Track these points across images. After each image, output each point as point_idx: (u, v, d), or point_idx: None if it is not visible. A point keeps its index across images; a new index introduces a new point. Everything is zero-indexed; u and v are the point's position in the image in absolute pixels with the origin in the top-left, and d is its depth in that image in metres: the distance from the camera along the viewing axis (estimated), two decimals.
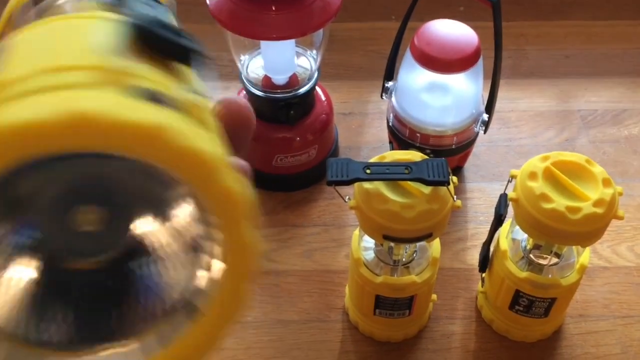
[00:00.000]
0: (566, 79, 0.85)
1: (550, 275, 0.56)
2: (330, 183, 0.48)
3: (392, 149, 0.73)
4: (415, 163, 0.49)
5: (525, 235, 0.57)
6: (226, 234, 0.20)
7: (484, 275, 0.62)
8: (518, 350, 0.62)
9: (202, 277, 0.21)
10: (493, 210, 0.55)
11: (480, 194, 0.73)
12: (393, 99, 0.69)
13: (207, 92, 0.24)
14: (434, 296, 0.62)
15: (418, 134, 0.67)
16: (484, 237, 0.58)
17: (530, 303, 0.57)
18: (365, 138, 0.79)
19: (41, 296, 0.22)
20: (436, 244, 0.57)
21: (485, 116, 0.68)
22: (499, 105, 0.69)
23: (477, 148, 0.75)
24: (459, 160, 0.73)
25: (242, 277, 0.20)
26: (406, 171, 0.48)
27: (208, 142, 0.19)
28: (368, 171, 0.48)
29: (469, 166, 0.76)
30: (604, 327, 0.63)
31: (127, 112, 0.18)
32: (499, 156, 0.77)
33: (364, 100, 0.83)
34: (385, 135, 0.74)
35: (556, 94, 0.84)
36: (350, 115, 0.81)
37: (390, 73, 0.70)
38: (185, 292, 0.22)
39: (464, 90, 0.68)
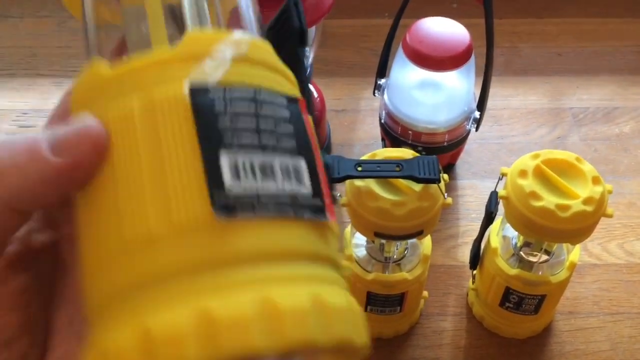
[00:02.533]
0: (558, 76, 0.86)
1: (540, 273, 0.57)
2: None
3: (385, 146, 0.73)
4: (406, 160, 0.49)
5: (516, 233, 0.58)
6: None
7: (474, 272, 0.62)
8: (508, 346, 0.62)
9: None
10: (484, 207, 0.55)
11: (472, 191, 0.74)
12: (385, 96, 0.69)
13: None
14: (425, 293, 0.62)
15: (410, 131, 0.67)
16: (475, 234, 0.59)
17: (520, 300, 0.57)
18: (358, 135, 0.79)
19: None
20: (427, 241, 0.57)
21: (477, 114, 0.68)
22: (491, 102, 0.69)
23: (469, 145, 0.75)
24: (451, 157, 0.73)
25: None
26: (397, 169, 0.48)
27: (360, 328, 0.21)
28: (359, 168, 0.48)
29: (461, 163, 0.76)
30: (593, 324, 0.64)
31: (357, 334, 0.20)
32: (491, 154, 0.77)
33: (357, 97, 0.83)
34: (377, 132, 0.75)
35: (548, 91, 0.84)
36: (343, 112, 0.81)
37: (382, 70, 0.70)
38: None
39: (455, 87, 0.68)
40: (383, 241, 0.56)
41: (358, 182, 0.50)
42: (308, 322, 0.19)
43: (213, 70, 0.21)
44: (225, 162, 0.20)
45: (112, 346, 0.19)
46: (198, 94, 0.21)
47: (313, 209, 0.21)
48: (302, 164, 0.22)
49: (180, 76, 0.21)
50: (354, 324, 0.21)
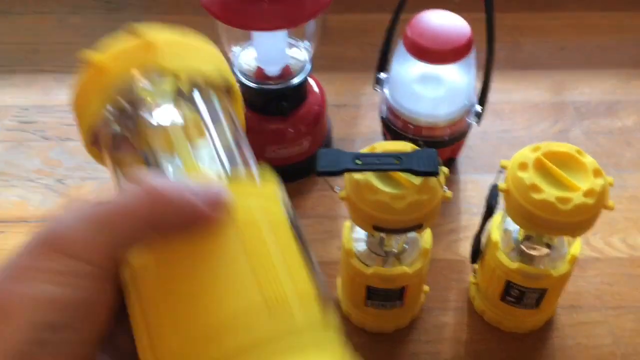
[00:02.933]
0: (560, 70, 0.85)
1: (541, 266, 0.56)
2: (319, 173, 0.48)
3: (386, 140, 0.73)
4: (405, 154, 0.49)
5: (517, 226, 0.57)
6: None
7: (475, 266, 0.62)
8: (510, 341, 0.62)
9: None
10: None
11: (474, 185, 0.73)
12: (386, 90, 0.69)
13: None
14: (426, 287, 0.62)
15: (411, 126, 0.67)
16: (476, 229, 0.58)
17: (521, 294, 0.57)
18: (359, 130, 0.79)
19: None
20: (427, 235, 0.57)
21: (479, 107, 0.68)
22: (493, 97, 0.69)
23: (470, 140, 0.75)
24: (452, 151, 0.73)
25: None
26: (396, 162, 0.48)
27: None
28: (358, 162, 0.48)
29: (463, 158, 0.76)
30: (595, 318, 0.63)
31: None
32: (493, 148, 0.77)
33: (357, 92, 0.82)
34: (378, 127, 0.74)
35: (550, 85, 0.84)
36: (344, 107, 0.81)
37: (383, 64, 0.69)
38: None
39: (456, 81, 0.68)
40: (383, 235, 0.56)
41: (357, 176, 0.49)
42: None
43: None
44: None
45: None
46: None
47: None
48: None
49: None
50: None
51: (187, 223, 0.26)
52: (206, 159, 0.30)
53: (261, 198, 0.29)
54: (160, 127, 0.31)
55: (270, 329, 0.25)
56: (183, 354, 0.24)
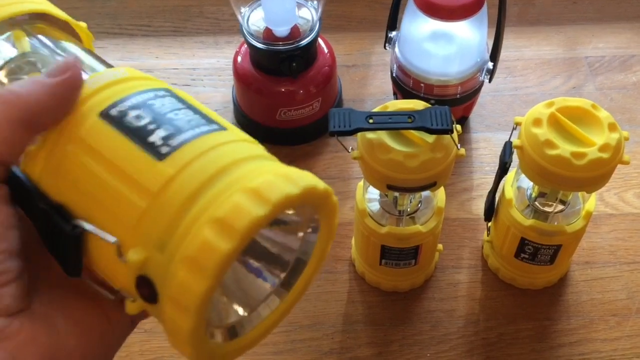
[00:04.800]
0: (573, 25, 0.84)
1: (555, 223, 0.56)
2: (332, 133, 0.48)
3: (397, 100, 0.72)
4: (418, 112, 0.48)
5: (531, 184, 0.57)
6: (325, 222, 0.32)
7: (489, 224, 0.62)
8: (524, 297, 0.62)
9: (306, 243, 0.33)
10: (498, 159, 0.54)
11: (486, 144, 0.73)
12: (396, 49, 0.68)
13: None
14: (440, 246, 0.62)
15: (422, 84, 0.67)
16: (489, 187, 0.58)
17: (535, 251, 0.57)
18: (369, 90, 0.78)
19: None
20: (441, 193, 0.56)
21: (490, 64, 0.67)
22: (504, 54, 0.68)
23: (482, 98, 0.74)
24: (464, 110, 0.72)
25: (330, 239, 0.33)
26: (409, 120, 0.48)
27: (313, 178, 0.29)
28: (370, 121, 0.48)
29: (474, 116, 0.75)
30: (609, 273, 0.63)
31: (318, 183, 0.29)
32: (505, 105, 0.76)
33: (367, 52, 0.82)
34: (389, 87, 0.74)
35: (563, 41, 0.82)
36: (354, 68, 0.80)
37: (393, 22, 0.68)
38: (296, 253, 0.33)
39: (468, 38, 0.67)
40: (396, 194, 0.56)
41: (370, 135, 0.49)
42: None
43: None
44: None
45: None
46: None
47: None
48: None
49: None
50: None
51: (53, 99, 0.29)
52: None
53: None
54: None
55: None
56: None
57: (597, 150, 0.48)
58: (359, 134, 0.50)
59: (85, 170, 0.28)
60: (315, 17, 0.68)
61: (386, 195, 0.57)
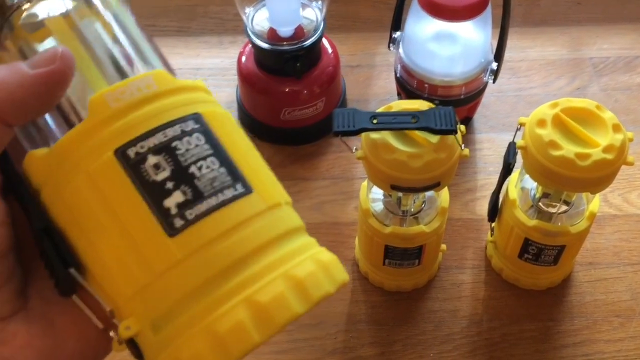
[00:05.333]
0: (578, 26, 0.84)
1: (559, 223, 0.56)
2: (336, 133, 0.48)
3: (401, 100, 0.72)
4: (422, 112, 0.48)
5: (535, 184, 0.57)
6: None
7: (493, 224, 0.62)
8: (527, 297, 0.62)
9: None
10: (502, 160, 0.54)
11: (490, 144, 0.73)
12: (400, 49, 0.68)
13: None
14: (444, 246, 0.62)
15: (426, 85, 0.67)
16: (492, 188, 0.58)
17: (539, 251, 0.57)
18: (373, 90, 0.78)
19: None
20: (444, 193, 0.56)
21: (494, 65, 0.67)
22: (509, 54, 0.68)
23: (486, 98, 0.74)
24: (468, 110, 0.72)
25: None
26: (413, 120, 0.48)
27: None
28: (375, 121, 0.48)
29: (478, 117, 0.75)
30: (613, 274, 0.63)
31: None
32: (509, 106, 0.76)
33: (372, 52, 0.82)
34: (393, 87, 0.74)
35: (567, 42, 0.82)
36: (358, 68, 0.80)
37: (397, 23, 0.68)
38: None
39: (472, 38, 0.67)
40: (400, 194, 0.56)
41: (374, 135, 0.49)
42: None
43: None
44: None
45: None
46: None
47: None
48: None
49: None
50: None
51: (30, 95, 0.25)
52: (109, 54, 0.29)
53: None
54: (39, 21, 0.29)
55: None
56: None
57: (602, 151, 0.48)
58: (363, 134, 0.50)
59: (89, 210, 0.25)
60: (320, 17, 0.68)
61: (390, 196, 0.57)
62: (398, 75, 0.70)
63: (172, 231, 0.24)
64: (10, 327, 0.26)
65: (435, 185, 0.50)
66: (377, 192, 0.58)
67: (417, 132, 0.49)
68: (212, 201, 0.25)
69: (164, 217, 0.25)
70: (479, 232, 0.66)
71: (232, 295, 0.24)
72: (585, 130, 0.50)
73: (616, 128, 0.50)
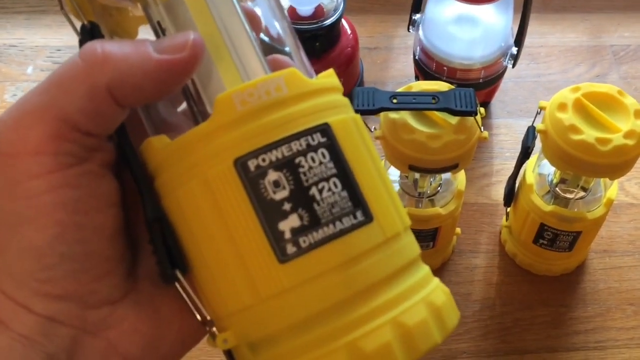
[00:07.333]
0: (599, 13, 0.83)
1: (576, 209, 0.56)
2: (356, 112, 0.47)
3: None
4: (443, 93, 0.48)
5: (552, 170, 0.57)
6: None
7: (508, 209, 0.62)
8: (541, 283, 0.62)
9: None
10: (519, 146, 0.54)
11: (507, 130, 0.73)
12: (420, 31, 0.68)
13: None
14: (458, 230, 0.62)
15: (445, 68, 0.66)
16: (509, 173, 0.58)
17: (554, 237, 0.57)
18: (391, 73, 0.78)
19: None
20: (461, 176, 0.56)
21: (514, 49, 0.66)
22: (528, 40, 0.67)
23: (504, 84, 0.74)
24: (486, 95, 0.72)
25: None
26: (433, 101, 0.48)
27: None
28: (394, 101, 0.48)
29: (496, 102, 0.75)
30: (628, 262, 0.63)
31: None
32: (527, 92, 0.76)
33: (390, 34, 0.81)
34: (410, 70, 0.73)
35: (588, 29, 0.81)
36: (376, 50, 0.80)
37: (417, 5, 0.68)
38: None
39: (493, 22, 0.66)
40: (417, 176, 0.56)
41: (393, 115, 0.49)
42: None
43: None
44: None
45: None
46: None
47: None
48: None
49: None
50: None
51: (149, 79, 0.24)
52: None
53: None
54: None
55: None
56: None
57: (622, 137, 0.48)
58: (382, 113, 0.49)
59: (200, 217, 0.24)
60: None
61: (406, 177, 0.57)
62: (417, 57, 0.69)
63: (283, 257, 0.23)
64: (119, 311, 0.26)
65: (454, 167, 0.50)
66: (394, 174, 0.58)
67: (437, 113, 0.49)
68: (329, 230, 0.24)
69: (277, 241, 0.23)
70: (494, 217, 0.66)
71: (335, 337, 0.23)
72: (606, 115, 0.49)
73: (638, 114, 0.49)
